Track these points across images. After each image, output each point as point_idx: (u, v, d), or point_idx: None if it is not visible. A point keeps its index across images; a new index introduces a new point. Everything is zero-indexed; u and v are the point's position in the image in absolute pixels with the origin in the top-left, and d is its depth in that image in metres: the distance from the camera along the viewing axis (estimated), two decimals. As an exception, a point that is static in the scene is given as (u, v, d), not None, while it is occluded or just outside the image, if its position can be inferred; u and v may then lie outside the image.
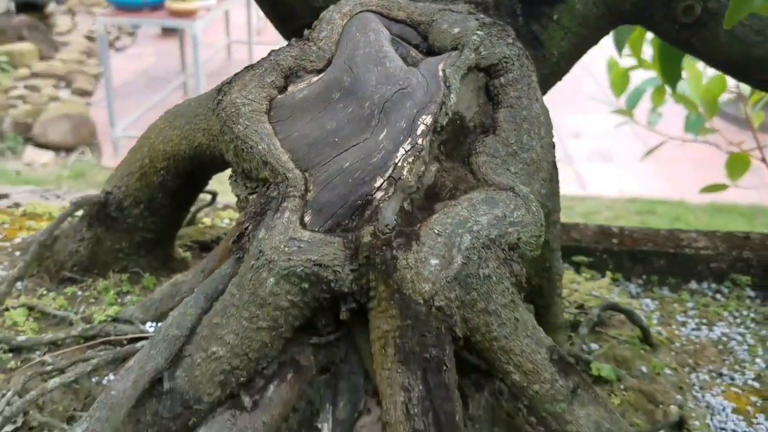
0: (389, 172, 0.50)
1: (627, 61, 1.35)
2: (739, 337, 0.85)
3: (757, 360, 0.81)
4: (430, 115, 0.51)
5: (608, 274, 0.94)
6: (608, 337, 0.76)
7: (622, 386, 0.68)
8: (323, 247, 0.49)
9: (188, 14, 3.63)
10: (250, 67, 0.57)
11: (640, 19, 0.71)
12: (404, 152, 0.50)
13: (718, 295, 0.94)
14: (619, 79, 1.46)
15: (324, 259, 0.49)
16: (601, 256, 0.97)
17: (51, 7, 7.00)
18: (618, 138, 3.16)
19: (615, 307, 0.78)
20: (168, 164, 0.66)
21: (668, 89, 1.24)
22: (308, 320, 0.53)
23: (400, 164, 0.50)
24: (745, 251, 0.97)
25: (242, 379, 0.52)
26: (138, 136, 0.71)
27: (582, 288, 0.89)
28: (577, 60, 0.72)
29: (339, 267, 0.49)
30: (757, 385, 0.77)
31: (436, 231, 0.48)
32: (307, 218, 0.50)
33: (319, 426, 0.54)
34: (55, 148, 4.49)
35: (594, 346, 0.74)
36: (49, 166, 4.22)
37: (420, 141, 0.50)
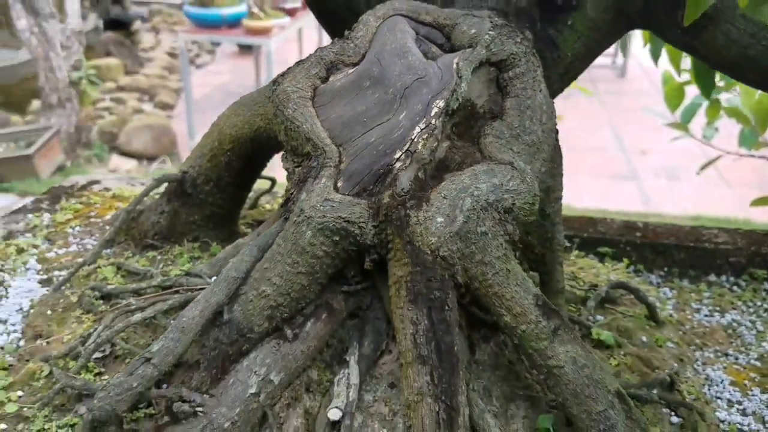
0: (407, 146, 0.61)
1: (684, 76, 1.39)
2: (749, 324, 0.91)
3: (764, 343, 0.87)
4: (442, 100, 0.62)
5: (625, 260, 1.01)
6: (615, 312, 0.84)
7: (622, 352, 0.76)
8: (351, 207, 0.61)
9: (264, 32, 3.85)
10: (300, 62, 0.69)
11: (648, 25, 0.80)
12: (419, 130, 0.61)
13: (735, 287, 1.00)
14: (673, 93, 1.48)
15: (351, 217, 0.60)
16: (625, 248, 1.04)
17: (136, 24, 7.47)
18: (684, 155, 3.13)
19: (623, 285, 0.86)
20: (233, 146, 0.80)
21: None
22: (340, 271, 0.65)
23: (416, 140, 0.61)
24: (764, 247, 1.02)
25: (285, 315, 0.64)
26: None
27: (601, 273, 0.97)
28: (591, 61, 0.81)
29: (363, 223, 0.60)
30: (759, 364, 0.83)
31: (443, 195, 0.59)
32: (339, 184, 0.62)
33: (348, 359, 0.65)
34: (138, 156, 4.77)
35: (600, 318, 0.82)
36: (132, 172, 4.49)
37: (433, 121, 0.61)
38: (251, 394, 0.61)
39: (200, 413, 0.59)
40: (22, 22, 4.25)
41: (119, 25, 7.60)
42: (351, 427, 0.60)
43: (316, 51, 0.69)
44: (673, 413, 0.69)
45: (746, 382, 0.79)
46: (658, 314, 0.84)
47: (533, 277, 0.73)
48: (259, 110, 0.74)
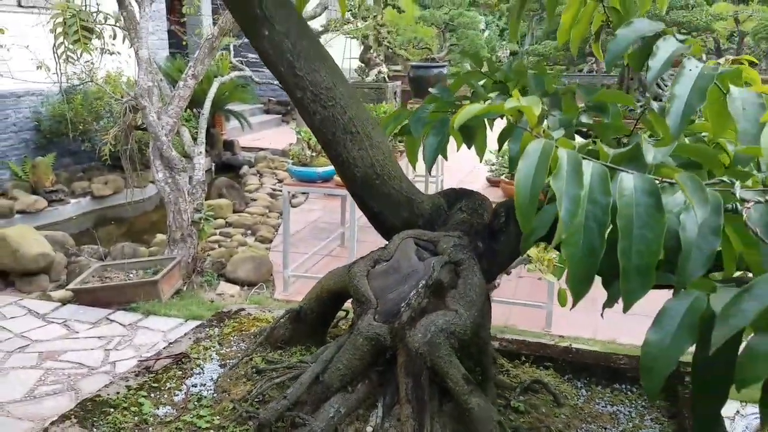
0: (407, 302, 1.34)
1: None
2: (627, 413, 1.53)
3: (630, 424, 1.49)
4: (425, 281, 1.35)
5: (551, 367, 1.67)
6: (532, 396, 1.50)
7: (529, 417, 1.42)
8: (380, 328, 1.33)
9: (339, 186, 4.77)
10: (362, 257, 1.46)
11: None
12: (414, 294, 1.34)
13: (628, 392, 1.62)
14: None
15: (380, 332, 1.33)
16: (563, 364, 1.70)
17: (244, 169, 8.77)
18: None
19: (539, 381, 1.52)
20: (328, 294, 1.56)
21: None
22: (375, 360, 1.36)
23: (412, 299, 1.34)
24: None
25: (347, 380, 1.35)
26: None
27: (542, 377, 1.62)
28: (516, 258, 1.53)
29: (386, 335, 1.33)
30: None
31: (422, 324, 1.31)
32: (376, 317, 1.35)
33: (378, 405, 1.35)
34: (241, 283, 5.67)
35: (521, 398, 1.48)
36: (235, 297, 5.36)
37: (420, 290, 1.35)
38: (330, 417, 1.32)
39: (307, 424, 1.31)
40: (159, 174, 5.34)
41: (230, 168, 8.94)
42: None
43: (369, 254, 1.45)
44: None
45: None
46: (560, 400, 1.50)
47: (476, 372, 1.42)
48: (342, 278, 1.50)
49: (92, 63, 6.31)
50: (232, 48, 6.73)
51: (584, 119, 1.41)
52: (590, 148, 1.10)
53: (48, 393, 3.55)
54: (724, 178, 1.00)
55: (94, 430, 1.31)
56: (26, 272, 5.02)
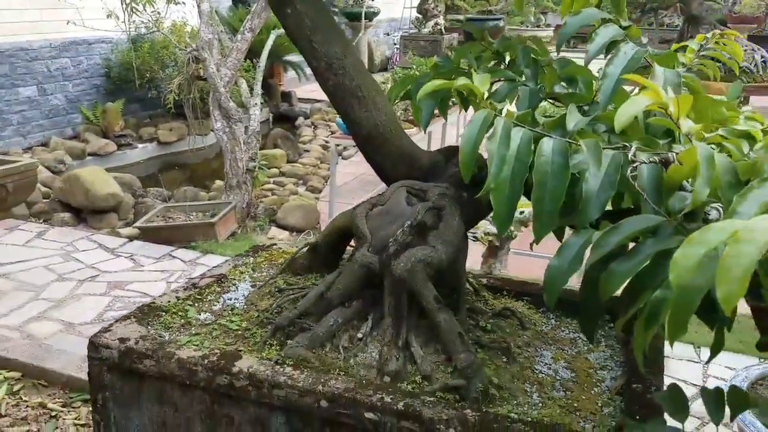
0: (395, 237, 1.68)
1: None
2: (585, 339, 1.84)
3: (585, 348, 1.81)
4: (410, 221, 1.69)
5: (529, 301, 1.99)
6: (501, 320, 1.83)
7: (494, 336, 1.75)
8: (372, 258, 1.68)
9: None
10: (363, 202, 1.80)
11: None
12: (400, 232, 1.68)
13: (592, 324, 1.93)
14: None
15: (372, 261, 1.68)
16: (539, 299, 2.01)
17: (299, 120, 9.18)
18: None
19: (508, 308, 1.85)
20: (338, 232, 1.91)
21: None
22: (367, 282, 1.71)
23: (398, 236, 1.68)
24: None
25: (345, 298, 1.72)
26: None
27: (518, 308, 1.95)
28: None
29: (376, 263, 1.67)
30: (575, 356, 1.77)
31: (405, 255, 1.65)
32: (369, 249, 1.70)
33: (368, 318, 1.71)
34: (290, 229, 6.14)
35: (490, 321, 1.82)
36: (284, 241, 5.83)
37: (406, 230, 1.68)
38: (330, 325, 1.69)
39: (311, 329, 1.69)
40: (218, 123, 5.79)
41: (286, 119, 9.37)
42: (366, 341, 1.66)
43: (369, 198, 1.79)
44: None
45: (561, 360, 1.74)
46: (525, 324, 1.82)
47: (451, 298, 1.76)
48: (348, 218, 1.85)
49: (158, 13, 6.79)
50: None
51: (557, 89, 1.69)
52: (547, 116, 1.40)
53: (115, 318, 4.12)
54: (635, 143, 1.29)
55: (149, 327, 1.72)
56: (97, 210, 5.62)
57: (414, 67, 6.09)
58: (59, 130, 7.52)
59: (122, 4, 5.19)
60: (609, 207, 1.27)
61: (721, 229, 0.81)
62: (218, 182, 6.84)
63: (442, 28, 8.81)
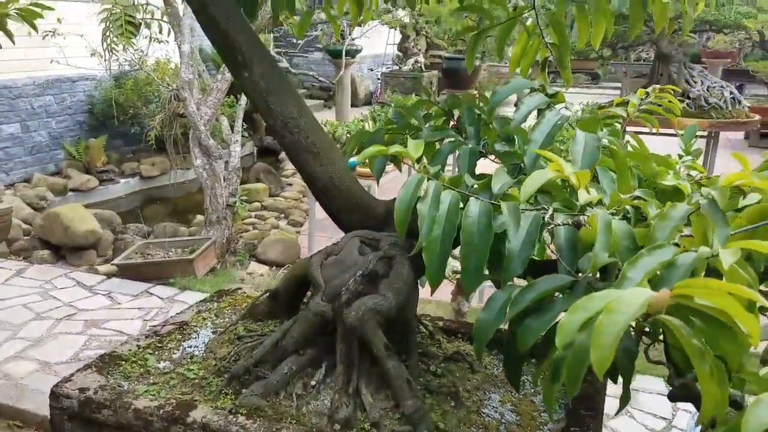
0: (347, 287, 1.77)
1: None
2: (532, 381, 1.93)
3: (532, 390, 1.89)
4: (362, 271, 1.78)
5: None
6: (452, 364, 1.91)
7: (444, 380, 1.84)
8: (325, 306, 1.77)
9: (370, 176, 5.22)
10: (319, 251, 1.89)
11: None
12: (353, 282, 1.77)
13: (541, 367, 2.02)
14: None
15: (325, 309, 1.77)
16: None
17: (282, 154, 9.28)
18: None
19: (459, 352, 1.93)
20: (295, 280, 2.00)
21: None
22: (321, 330, 1.80)
23: (351, 285, 1.77)
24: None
25: (299, 345, 1.80)
26: None
27: (466, 349, 2.04)
28: None
29: (329, 312, 1.76)
30: (530, 401, 1.85)
31: (356, 304, 1.74)
32: (323, 298, 1.79)
33: (322, 365, 1.79)
34: (270, 263, 6.20)
35: (441, 366, 1.90)
36: (264, 276, 5.88)
37: (357, 279, 1.77)
38: (284, 373, 1.77)
39: (266, 377, 1.76)
40: (197, 161, 5.88)
41: (270, 152, 9.48)
42: (319, 389, 1.74)
43: (324, 248, 1.89)
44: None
45: (508, 402, 1.82)
46: (475, 367, 1.91)
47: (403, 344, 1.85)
48: (305, 267, 1.94)
49: (142, 51, 6.92)
50: (272, 39, 7.22)
51: (497, 147, 1.81)
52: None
53: (91, 356, 4.14)
54: (556, 204, 1.39)
55: (109, 377, 1.79)
56: (76, 247, 5.67)
57: (392, 105, 6.24)
58: (42, 166, 7.60)
59: (103, 45, 5.31)
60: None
61: (601, 298, 0.90)
62: (199, 217, 6.91)
63: (422, 65, 9.02)
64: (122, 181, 7.92)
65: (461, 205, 1.37)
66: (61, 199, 7.06)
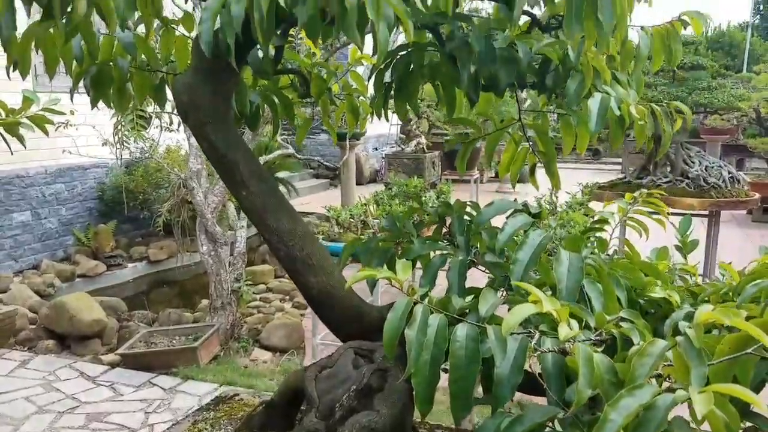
0: (340, 403, 1.77)
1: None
2: None
3: None
4: (355, 386, 1.78)
5: None
6: None
7: None
8: (318, 424, 1.76)
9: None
10: (313, 364, 1.90)
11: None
12: (346, 397, 1.77)
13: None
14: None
15: (319, 427, 1.76)
16: None
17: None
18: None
19: None
20: (290, 390, 2.00)
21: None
22: None
23: (344, 401, 1.76)
24: None
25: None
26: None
27: None
28: None
29: (323, 429, 1.75)
30: None
31: (350, 421, 1.73)
32: (317, 415, 1.78)
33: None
34: (273, 349, 6.14)
35: None
36: (267, 363, 5.83)
37: (351, 395, 1.77)
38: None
39: None
40: (203, 247, 5.93)
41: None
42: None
43: (320, 360, 1.89)
44: None
45: None
46: None
47: None
48: (300, 378, 1.94)
49: (153, 139, 7.11)
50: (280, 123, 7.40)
51: (488, 257, 1.83)
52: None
53: (91, 453, 4.05)
54: (543, 327, 1.41)
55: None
56: (81, 336, 5.67)
57: (394, 187, 6.33)
58: (51, 253, 7.68)
59: (113, 138, 5.48)
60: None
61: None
62: (204, 301, 6.91)
63: (424, 147, 9.20)
64: (130, 265, 7.97)
65: (448, 329, 1.39)
66: (68, 286, 7.10)
